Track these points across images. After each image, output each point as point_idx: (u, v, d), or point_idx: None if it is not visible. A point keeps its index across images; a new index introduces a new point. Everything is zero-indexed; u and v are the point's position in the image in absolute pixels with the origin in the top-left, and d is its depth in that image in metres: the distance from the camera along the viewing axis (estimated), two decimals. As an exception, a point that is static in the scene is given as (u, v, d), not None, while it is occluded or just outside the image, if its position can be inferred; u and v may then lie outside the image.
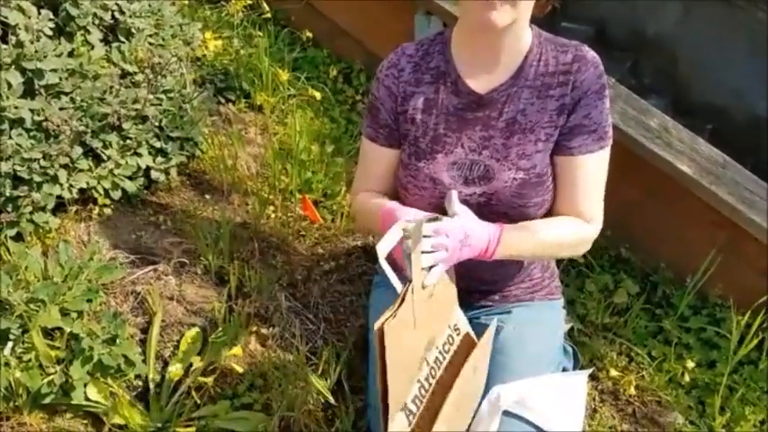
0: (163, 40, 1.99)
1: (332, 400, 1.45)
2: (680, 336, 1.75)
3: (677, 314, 1.78)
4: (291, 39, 2.53)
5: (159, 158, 1.84)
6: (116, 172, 1.75)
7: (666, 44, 2.95)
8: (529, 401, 1.21)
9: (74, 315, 1.47)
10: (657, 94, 2.81)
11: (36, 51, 1.62)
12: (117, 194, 1.76)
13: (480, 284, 1.35)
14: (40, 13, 1.69)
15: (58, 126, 1.57)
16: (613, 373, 1.66)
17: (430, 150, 1.22)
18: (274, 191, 1.93)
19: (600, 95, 1.17)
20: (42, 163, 1.58)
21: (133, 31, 1.92)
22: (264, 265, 1.73)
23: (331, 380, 1.47)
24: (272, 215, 1.88)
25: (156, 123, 1.80)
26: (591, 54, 1.18)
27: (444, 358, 1.14)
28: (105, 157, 1.73)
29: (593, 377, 1.67)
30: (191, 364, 1.51)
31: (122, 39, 1.92)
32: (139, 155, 1.79)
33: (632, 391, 1.63)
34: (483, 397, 1.22)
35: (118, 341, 1.44)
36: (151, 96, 1.78)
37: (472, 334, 1.21)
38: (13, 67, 1.60)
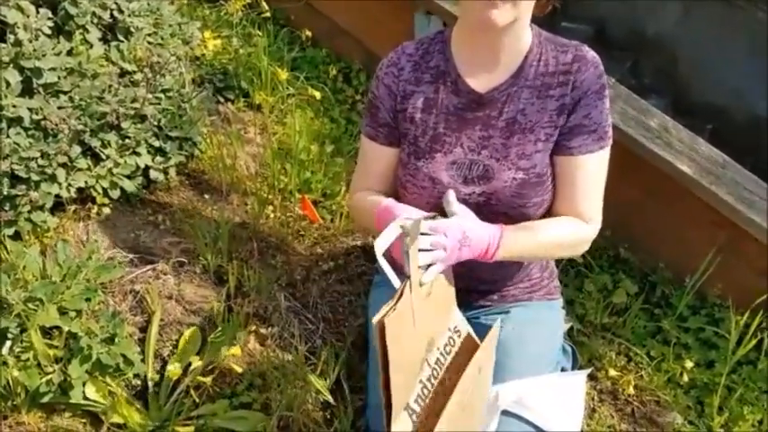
0: (162, 39, 1.98)
1: (331, 399, 1.45)
2: (679, 336, 1.75)
3: (676, 314, 1.78)
4: (291, 38, 2.53)
5: (158, 158, 1.84)
6: (115, 171, 1.75)
7: (666, 44, 2.95)
8: (528, 401, 1.21)
9: (72, 314, 1.47)
10: (657, 94, 2.81)
11: (35, 50, 1.62)
12: (116, 194, 1.76)
13: (479, 284, 1.35)
14: (38, 12, 1.69)
15: (56, 125, 1.57)
16: (612, 372, 1.65)
17: (429, 150, 1.22)
18: (273, 191, 1.92)
19: (600, 95, 1.17)
20: (41, 162, 1.58)
21: (132, 30, 1.92)
22: (263, 265, 1.72)
23: (330, 379, 1.47)
24: (271, 215, 1.88)
25: (155, 123, 1.80)
26: (591, 54, 1.18)
27: (446, 359, 1.13)
28: (104, 157, 1.73)
29: (591, 377, 1.67)
30: (189, 364, 1.50)
31: (121, 38, 1.92)
32: (138, 154, 1.79)
33: (631, 390, 1.63)
34: (482, 397, 1.22)
35: (116, 340, 1.44)
36: (150, 95, 1.78)
37: (474, 335, 1.21)
38: (12, 65, 1.60)
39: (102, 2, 1.86)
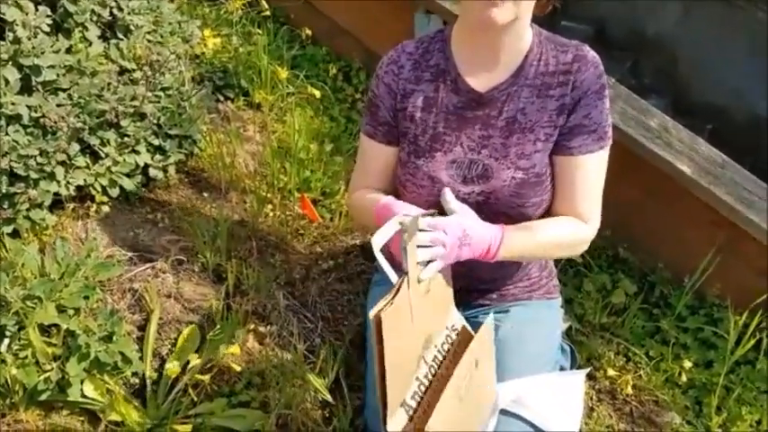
0: (161, 37, 1.98)
1: (329, 398, 1.44)
2: (677, 336, 1.75)
3: (675, 314, 1.78)
4: (290, 36, 2.52)
5: (157, 156, 1.83)
6: (114, 169, 1.75)
7: (666, 44, 2.95)
8: (526, 400, 1.21)
9: (71, 312, 1.47)
10: (657, 94, 2.81)
11: (33, 48, 1.61)
12: (115, 192, 1.76)
13: (479, 283, 1.35)
14: (37, 10, 1.68)
15: (55, 123, 1.57)
16: (611, 372, 1.66)
17: (429, 148, 1.22)
18: (273, 189, 1.92)
19: (600, 95, 1.17)
20: (39, 160, 1.58)
21: (131, 28, 1.92)
22: (262, 264, 1.72)
23: (329, 378, 1.47)
24: (271, 213, 1.88)
25: (155, 121, 1.80)
26: (591, 54, 1.18)
27: (443, 357, 1.13)
28: (103, 155, 1.73)
29: (590, 376, 1.67)
30: (188, 362, 1.50)
31: (120, 36, 1.91)
32: (137, 152, 1.79)
33: (629, 390, 1.63)
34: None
35: (115, 338, 1.43)
36: (149, 94, 1.78)
37: (469, 328, 1.21)
38: (11, 63, 1.60)
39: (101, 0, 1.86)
